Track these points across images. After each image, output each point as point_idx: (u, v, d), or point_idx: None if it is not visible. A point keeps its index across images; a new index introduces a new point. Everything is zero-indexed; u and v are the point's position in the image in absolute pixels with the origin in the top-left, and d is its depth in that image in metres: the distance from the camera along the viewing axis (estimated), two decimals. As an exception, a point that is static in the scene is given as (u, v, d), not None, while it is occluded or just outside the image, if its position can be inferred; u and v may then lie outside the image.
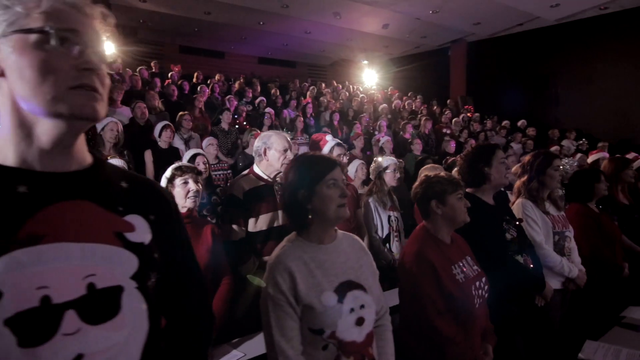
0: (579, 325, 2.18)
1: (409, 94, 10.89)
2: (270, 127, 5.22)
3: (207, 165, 2.98)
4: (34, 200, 0.62)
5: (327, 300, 1.07)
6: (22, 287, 0.57)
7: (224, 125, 4.80)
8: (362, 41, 11.27)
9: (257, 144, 1.96)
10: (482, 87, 11.04)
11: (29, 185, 0.63)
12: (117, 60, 6.72)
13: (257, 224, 1.93)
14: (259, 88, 8.38)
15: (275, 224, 1.93)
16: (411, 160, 5.21)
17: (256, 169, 2.00)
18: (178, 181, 1.68)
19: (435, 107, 9.48)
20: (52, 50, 0.62)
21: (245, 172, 2.04)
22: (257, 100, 6.83)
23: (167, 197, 0.82)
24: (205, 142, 3.85)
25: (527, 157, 2.35)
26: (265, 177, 2.02)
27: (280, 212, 1.94)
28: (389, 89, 11.40)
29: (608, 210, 2.76)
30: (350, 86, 10.90)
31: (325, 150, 2.33)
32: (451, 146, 5.88)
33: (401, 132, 6.32)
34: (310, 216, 1.15)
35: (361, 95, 9.60)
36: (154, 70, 8.26)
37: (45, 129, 0.64)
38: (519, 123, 8.58)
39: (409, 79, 12.44)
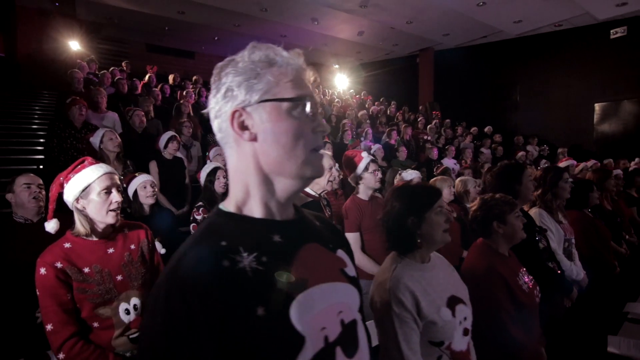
0: (586, 322, 2.45)
1: (381, 100, 11.26)
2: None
3: (226, 179, 2.95)
4: (288, 247, 0.67)
5: (445, 315, 1.18)
6: (314, 330, 0.61)
7: (221, 133, 4.71)
8: (336, 46, 11.47)
9: None
10: (448, 94, 11.67)
11: (281, 234, 0.67)
12: (93, 60, 6.31)
13: None
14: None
15: None
16: (397, 166, 5.43)
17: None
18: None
19: (409, 114, 9.89)
20: (300, 116, 0.67)
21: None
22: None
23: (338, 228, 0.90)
24: (212, 152, 3.78)
25: (539, 172, 2.60)
26: (313, 193, 2.09)
27: None
28: (362, 94, 11.71)
29: (596, 216, 3.12)
30: (327, 90, 11.03)
31: (362, 166, 2.42)
32: (434, 153, 6.20)
33: (387, 139, 6.54)
34: (419, 240, 1.24)
35: (336, 100, 9.77)
36: (125, 70, 7.86)
37: (284, 186, 0.68)
38: (486, 129, 9.20)
39: (379, 83, 12.83)
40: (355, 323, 0.70)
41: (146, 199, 2.46)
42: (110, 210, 1.47)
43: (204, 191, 2.90)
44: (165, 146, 3.57)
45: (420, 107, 10.98)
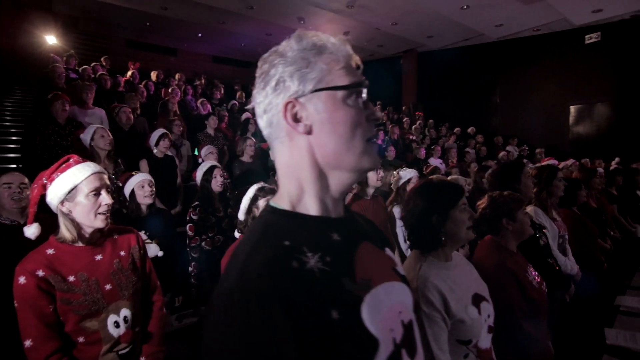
0: (581, 315, 2.54)
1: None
2: (255, 134, 5.14)
3: (224, 178, 2.90)
4: (347, 246, 0.65)
5: (472, 313, 1.19)
6: (384, 332, 0.59)
7: (210, 131, 4.63)
8: (321, 46, 11.45)
9: None
10: (431, 95, 11.89)
11: (339, 232, 0.65)
12: (73, 55, 6.06)
13: None
14: (222, 89, 8.14)
15: None
16: (386, 166, 5.48)
17: None
18: (262, 202, 1.67)
19: (394, 114, 10.00)
20: (354, 105, 0.64)
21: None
22: (230, 104, 6.64)
23: None
24: (204, 151, 3.70)
25: (533, 172, 2.68)
26: None
27: None
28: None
29: (583, 213, 3.24)
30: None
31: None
32: (422, 153, 6.30)
33: (374, 139, 6.58)
34: (443, 238, 1.25)
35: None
36: (105, 65, 7.59)
37: (339, 180, 0.66)
38: (469, 130, 9.42)
39: (363, 84, 12.88)
40: (412, 323, 0.68)
41: (144, 199, 2.38)
42: (99, 214, 1.34)
43: (201, 190, 2.84)
44: (157, 144, 3.47)
45: (404, 108, 11.13)
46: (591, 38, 9.05)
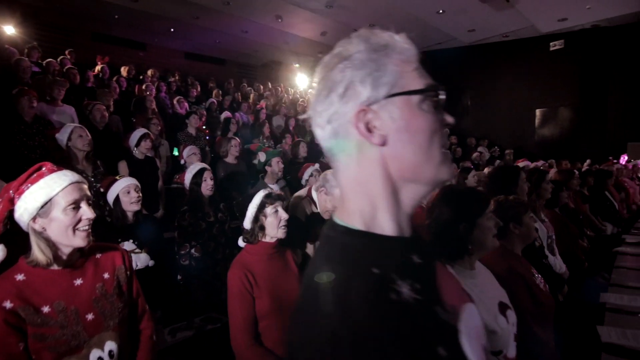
0: (571, 314, 2.64)
1: (342, 100, 11.35)
2: (236, 133, 4.99)
3: (213, 181, 2.77)
4: (428, 269, 0.61)
5: (502, 322, 1.18)
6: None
7: (191, 131, 4.44)
8: (298, 45, 11.35)
9: (322, 181, 1.92)
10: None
11: (417, 253, 0.60)
12: (35, 48, 5.61)
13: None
14: (198, 87, 7.88)
15: None
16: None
17: (314, 195, 1.98)
18: (269, 210, 1.58)
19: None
20: (430, 110, 0.59)
21: (304, 193, 1.99)
22: (208, 102, 6.42)
23: None
24: (186, 152, 3.54)
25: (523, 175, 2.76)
26: None
27: None
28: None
29: (563, 214, 3.38)
30: (290, 89, 10.91)
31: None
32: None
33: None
34: (470, 247, 1.23)
35: (301, 99, 9.70)
36: (70, 59, 7.12)
37: (412, 195, 0.60)
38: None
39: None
40: (484, 347, 0.65)
41: (130, 206, 2.21)
42: (79, 230, 1.15)
43: (190, 194, 2.70)
44: (137, 145, 3.27)
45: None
46: (555, 45, 9.55)
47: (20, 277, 1.10)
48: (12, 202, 1.13)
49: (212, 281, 2.65)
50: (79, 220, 1.15)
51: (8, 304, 1.04)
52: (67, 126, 2.91)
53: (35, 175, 1.15)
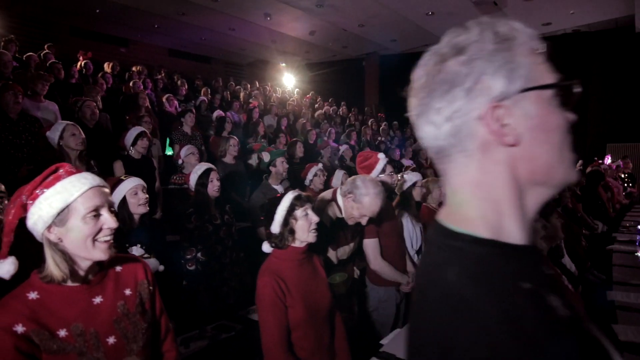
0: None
1: (330, 100, 11.33)
2: (231, 132, 4.86)
3: (220, 181, 2.66)
4: (558, 280, 0.56)
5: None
6: None
7: (187, 129, 4.28)
8: (285, 44, 11.25)
9: (350, 186, 1.87)
10: (392, 97, 12.18)
11: (545, 263, 0.56)
12: (13, 41, 5.29)
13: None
14: (186, 85, 7.67)
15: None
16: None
17: (340, 200, 1.92)
18: (299, 213, 1.50)
19: (358, 115, 10.10)
20: (559, 107, 0.54)
21: (328, 196, 1.93)
22: (198, 100, 6.24)
23: None
24: (184, 152, 3.40)
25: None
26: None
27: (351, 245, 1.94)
28: (310, 94, 11.66)
29: (563, 213, 3.45)
30: (277, 89, 10.79)
31: (378, 169, 2.33)
32: (396, 154, 6.39)
33: (347, 140, 6.59)
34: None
35: (290, 99, 9.60)
36: (50, 53, 6.78)
37: (537, 199, 0.55)
38: (431, 132, 9.76)
39: (324, 84, 12.89)
40: None
41: (138, 208, 2.08)
42: (100, 242, 1.02)
43: (196, 196, 2.58)
44: (134, 144, 3.12)
45: (367, 109, 11.28)
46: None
47: (33, 295, 0.97)
48: (24, 208, 1.00)
49: (219, 286, 2.54)
50: (100, 230, 1.02)
51: (20, 328, 0.91)
52: (58, 124, 2.74)
53: (51, 178, 1.02)
